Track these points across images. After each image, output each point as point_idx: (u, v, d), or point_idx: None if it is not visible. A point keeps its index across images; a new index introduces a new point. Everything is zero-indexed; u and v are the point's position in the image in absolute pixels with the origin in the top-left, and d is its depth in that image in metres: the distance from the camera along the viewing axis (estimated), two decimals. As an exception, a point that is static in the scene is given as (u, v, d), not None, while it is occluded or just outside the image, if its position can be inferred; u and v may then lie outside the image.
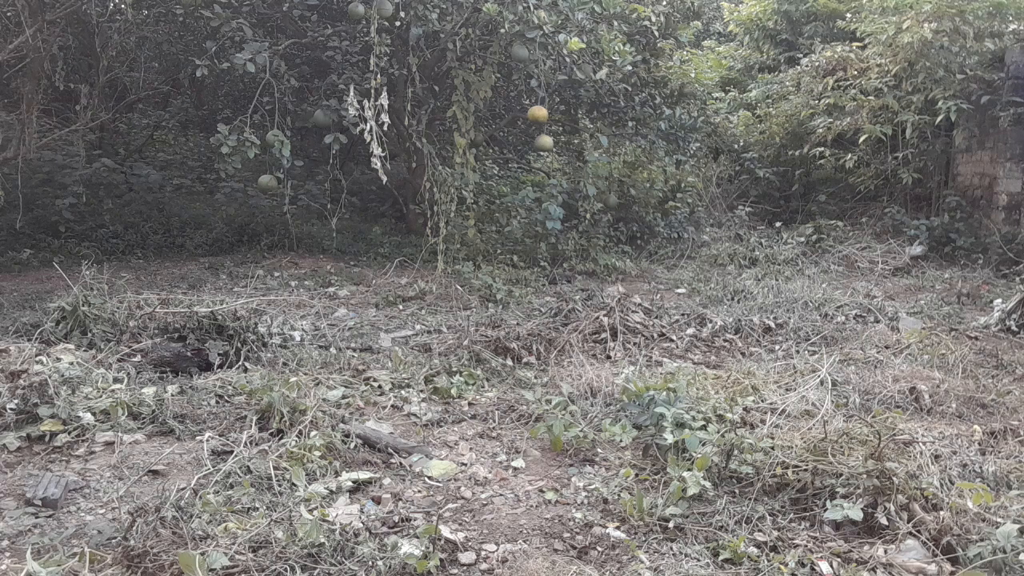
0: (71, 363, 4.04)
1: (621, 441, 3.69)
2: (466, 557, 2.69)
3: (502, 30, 7.14)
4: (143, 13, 8.30)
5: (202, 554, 2.48)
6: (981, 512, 2.88)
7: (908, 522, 2.87)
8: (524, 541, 2.83)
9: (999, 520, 2.81)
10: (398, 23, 7.21)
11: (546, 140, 7.94)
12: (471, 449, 3.65)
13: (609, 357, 5.10)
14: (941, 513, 2.86)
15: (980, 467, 3.37)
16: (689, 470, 3.15)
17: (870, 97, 9.93)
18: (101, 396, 3.79)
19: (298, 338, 5.17)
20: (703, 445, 3.40)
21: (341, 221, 8.65)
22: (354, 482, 3.19)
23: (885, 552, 2.76)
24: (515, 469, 3.47)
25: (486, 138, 9.94)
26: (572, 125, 9.12)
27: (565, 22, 7.52)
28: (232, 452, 3.35)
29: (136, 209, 9.08)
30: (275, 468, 3.17)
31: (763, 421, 3.81)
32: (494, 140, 10.65)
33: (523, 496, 3.20)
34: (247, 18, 7.34)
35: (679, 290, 7.50)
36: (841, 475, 3.09)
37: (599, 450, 3.66)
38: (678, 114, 9.24)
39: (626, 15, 8.66)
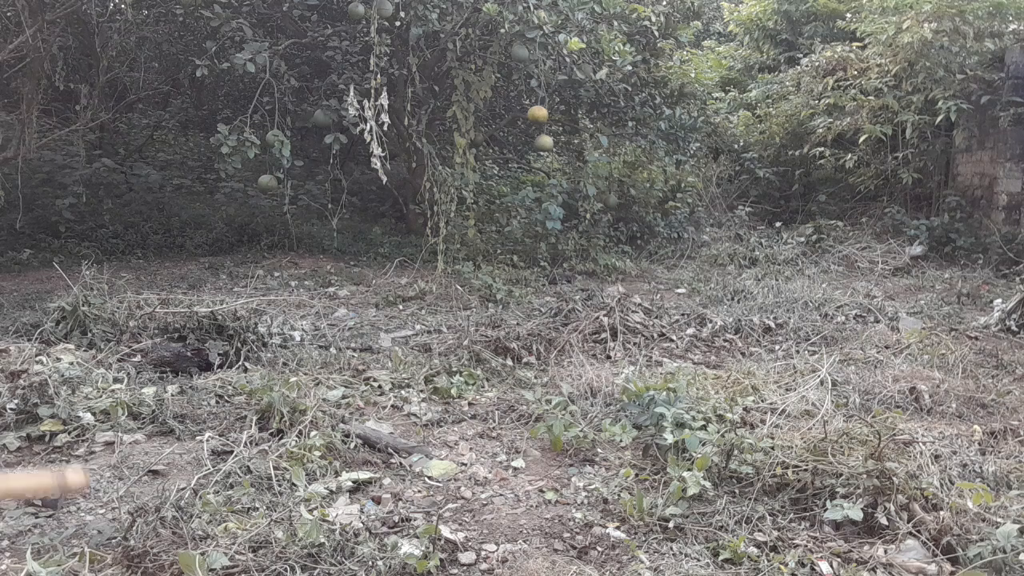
0: (71, 363, 4.04)
1: (621, 441, 3.69)
2: (466, 557, 2.69)
3: (502, 30, 7.14)
4: (143, 13, 8.29)
5: (202, 554, 2.48)
6: (981, 512, 2.88)
7: (908, 522, 2.87)
8: (524, 541, 2.83)
9: (999, 520, 2.81)
10: (398, 23, 7.21)
11: (546, 140, 7.94)
12: (471, 449, 3.65)
13: (609, 357, 5.10)
14: (941, 513, 2.86)
15: (980, 467, 3.37)
16: (689, 470, 3.15)
17: (870, 97, 9.93)
18: (101, 396, 3.79)
19: (298, 338, 5.17)
20: (703, 445, 3.40)
21: (341, 221, 8.65)
22: (354, 482, 3.19)
23: (885, 552, 2.76)
24: (515, 469, 3.47)
25: (486, 138, 9.94)
26: (572, 125, 9.12)
27: (565, 22, 7.52)
28: (232, 452, 3.35)
29: (136, 209, 9.08)
30: (275, 468, 3.17)
31: (763, 421, 3.81)
32: (494, 140, 10.65)
33: (523, 496, 3.20)
34: (247, 18, 7.34)
35: (679, 290, 7.50)
36: (841, 475, 3.09)
37: (599, 450, 3.66)
38: (678, 114, 9.24)
39: (626, 15, 8.66)
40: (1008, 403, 4.36)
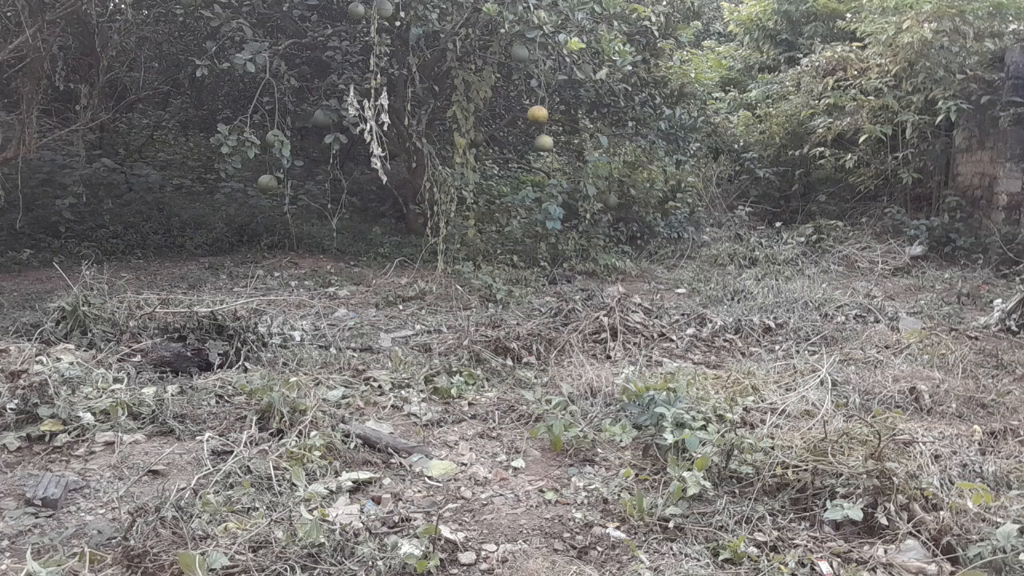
0: (71, 363, 4.04)
1: (621, 441, 3.69)
2: (466, 557, 2.69)
3: (502, 30, 7.14)
4: (143, 13, 8.29)
5: (202, 554, 2.48)
6: (981, 512, 2.88)
7: (908, 522, 2.87)
8: (524, 541, 2.83)
9: (999, 520, 2.81)
10: (398, 23, 7.21)
11: (546, 140, 7.94)
12: (471, 449, 3.65)
13: (609, 357, 5.10)
14: (941, 513, 2.86)
15: (980, 467, 3.37)
16: (689, 470, 3.15)
17: (870, 97, 9.93)
18: (101, 396, 3.79)
19: (298, 338, 5.17)
20: (703, 445, 3.40)
21: (341, 221, 8.65)
22: (354, 482, 3.19)
23: (885, 552, 2.76)
24: (515, 469, 3.47)
25: (486, 138, 9.94)
26: (572, 125, 9.12)
27: (565, 22, 7.51)
28: (232, 452, 3.35)
29: (136, 209, 9.08)
30: (275, 468, 3.17)
31: (763, 421, 3.81)
32: (494, 140, 10.65)
33: (523, 496, 3.20)
34: (247, 18, 7.34)
35: (679, 290, 7.50)
36: (841, 475, 3.09)
37: (599, 450, 3.66)
38: (678, 114, 9.23)
39: (626, 15, 8.66)
40: (1008, 403, 4.36)
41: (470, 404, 4.23)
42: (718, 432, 3.55)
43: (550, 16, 7.26)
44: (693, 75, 10.33)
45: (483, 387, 4.48)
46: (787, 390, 4.26)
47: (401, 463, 3.46)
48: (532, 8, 6.92)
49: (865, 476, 3.04)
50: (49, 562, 2.45)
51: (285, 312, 5.93)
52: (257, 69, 6.76)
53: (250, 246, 8.54)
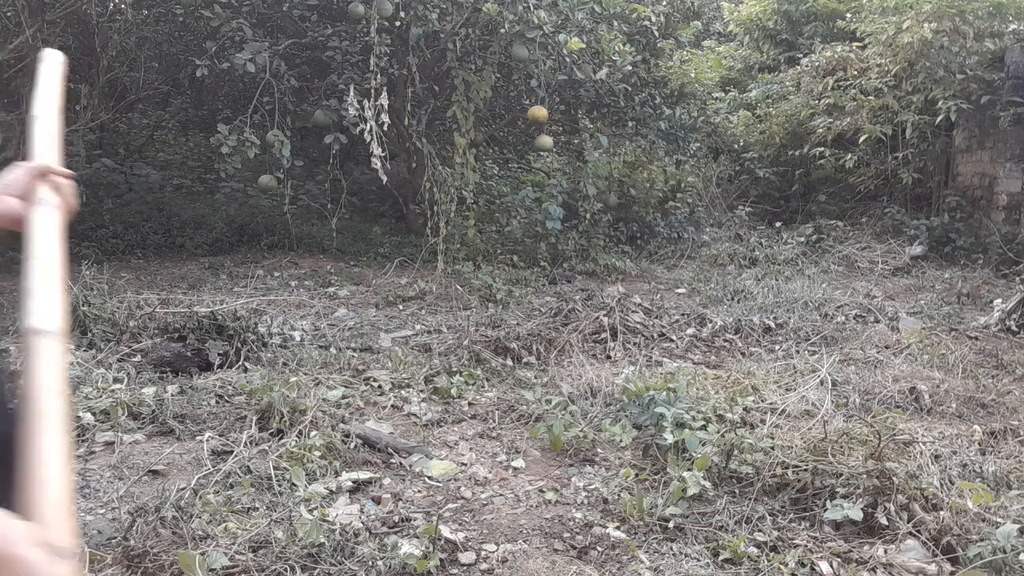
0: (71, 363, 4.04)
1: (621, 441, 3.69)
2: (466, 557, 2.69)
3: (502, 30, 7.14)
4: (143, 13, 8.29)
5: (202, 554, 2.48)
6: (981, 512, 2.88)
7: (908, 522, 2.87)
8: (524, 541, 2.83)
9: (999, 520, 2.81)
10: (398, 23, 7.21)
11: (546, 140, 7.94)
12: (471, 449, 3.65)
13: (609, 357, 5.10)
14: (941, 513, 2.86)
15: (980, 467, 3.37)
16: (689, 470, 3.15)
17: (870, 97, 9.93)
18: (101, 396, 3.80)
19: (298, 338, 5.17)
20: (703, 445, 3.40)
21: (341, 221, 8.65)
22: (354, 482, 3.19)
23: (885, 552, 2.76)
24: (515, 469, 3.47)
25: (486, 138, 9.94)
26: (572, 125, 9.12)
27: (565, 22, 7.51)
28: (232, 452, 3.35)
29: (136, 209, 9.08)
30: (275, 468, 3.17)
31: (763, 421, 3.81)
32: (494, 140, 10.65)
33: (523, 496, 3.20)
34: (247, 18, 7.34)
35: (679, 290, 7.50)
36: (841, 475, 3.09)
37: (599, 450, 3.66)
38: (678, 114, 9.24)
39: (626, 15, 8.66)
40: (1008, 403, 4.36)
41: (470, 404, 4.24)
42: (718, 432, 3.56)
43: (550, 16, 7.26)
44: (693, 75, 10.33)
45: (483, 387, 4.48)
46: (787, 390, 4.27)
47: (401, 463, 3.46)
48: (532, 8, 6.92)
49: (865, 476, 3.04)
50: (49, 562, 2.45)
51: (285, 312, 5.93)
52: (257, 69, 6.76)
53: (250, 246, 8.54)
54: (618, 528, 2.92)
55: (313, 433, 3.50)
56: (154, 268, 7.54)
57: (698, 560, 2.71)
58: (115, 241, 8.26)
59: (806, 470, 3.16)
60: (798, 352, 5.23)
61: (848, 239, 9.61)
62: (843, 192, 11.36)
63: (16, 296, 6.08)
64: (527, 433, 3.81)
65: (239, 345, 4.71)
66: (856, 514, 2.89)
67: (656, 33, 9.12)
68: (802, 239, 9.65)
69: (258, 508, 2.91)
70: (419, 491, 3.19)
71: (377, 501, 3.07)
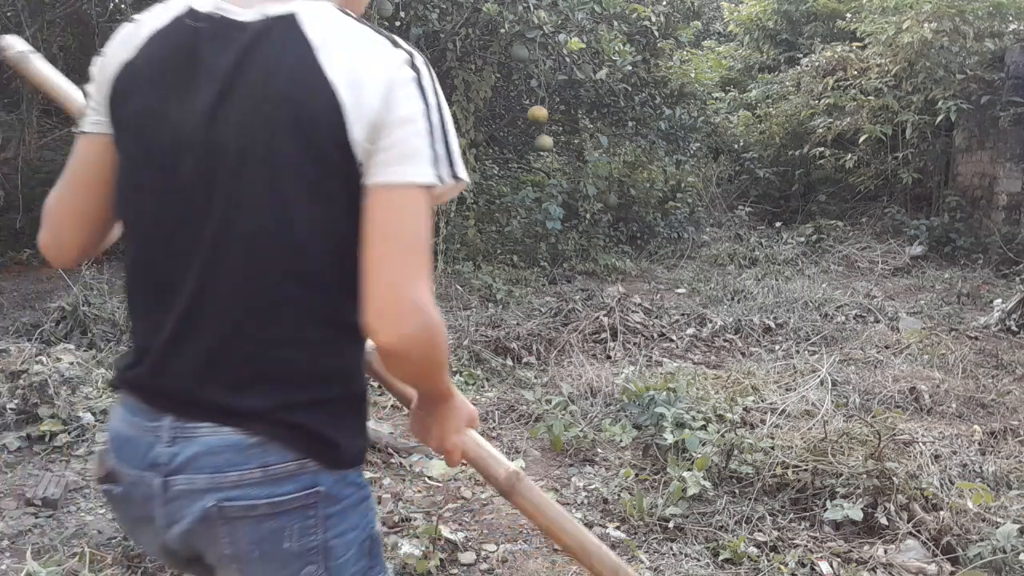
0: (71, 363, 4.04)
1: (621, 441, 3.69)
2: (466, 557, 2.69)
3: (502, 30, 7.14)
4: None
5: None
6: (981, 512, 2.88)
7: (908, 522, 2.87)
8: (524, 541, 2.83)
9: (999, 520, 2.81)
10: (398, 23, 7.21)
11: (546, 140, 7.94)
12: (471, 449, 3.64)
13: (609, 357, 5.10)
14: (941, 513, 2.86)
15: (980, 467, 3.37)
16: (689, 470, 3.15)
17: (870, 97, 9.93)
18: (101, 396, 3.80)
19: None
20: (703, 445, 3.40)
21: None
22: (354, 482, 3.18)
23: (885, 552, 2.76)
24: (515, 469, 3.47)
25: (486, 138, 9.93)
26: (572, 125, 9.11)
27: (565, 22, 7.51)
28: (232, 452, 3.35)
29: (136, 209, 9.08)
30: (275, 468, 3.17)
31: (763, 421, 3.81)
32: (494, 140, 10.64)
33: (523, 496, 3.19)
34: (247, 18, 7.33)
35: (679, 290, 7.50)
36: (841, 475, 3.09)
37: (599, 450, 3.66)
38: (678, 114, 9.23)
39: (626, 15, 8.65)
40: (1008, 403, 4.36)
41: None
42: (718, 432, 3.55)
43: (550, 16, 7.26)
44: (693, 75, 10.32)
45: (483, 387, 4.48)
46: (787, 390, 4.27)
47: (401, 463, 3.46)
48: (532, 8, 6.92)
49: (865, 476, 3.04)
50: (49, 562, 2.45)
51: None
52: (257, 69, 6.76)
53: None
54: (618, 528, 2.92)
55: (313, 433, 3.49)
56: (154, 268, 7.53)
57: (698, 560, 2.71)
58: (115, 241, 8.26)
59: (806, 470, 3.16)
60: (798, 352, 5.23)
61: (848, 239, 9.61)
62: (843, 192, 11.36)
63: (16, 296, 6.08)
64: (527, 433, 3.81)
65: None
66: (856, 514, 2.89)
67: (656, 33, 9.11)
68: (802, 239, 9.65)
69: (258, 508, 2.90)
70: (419, 491, 3.19)
71: (377, 501, 3.07)
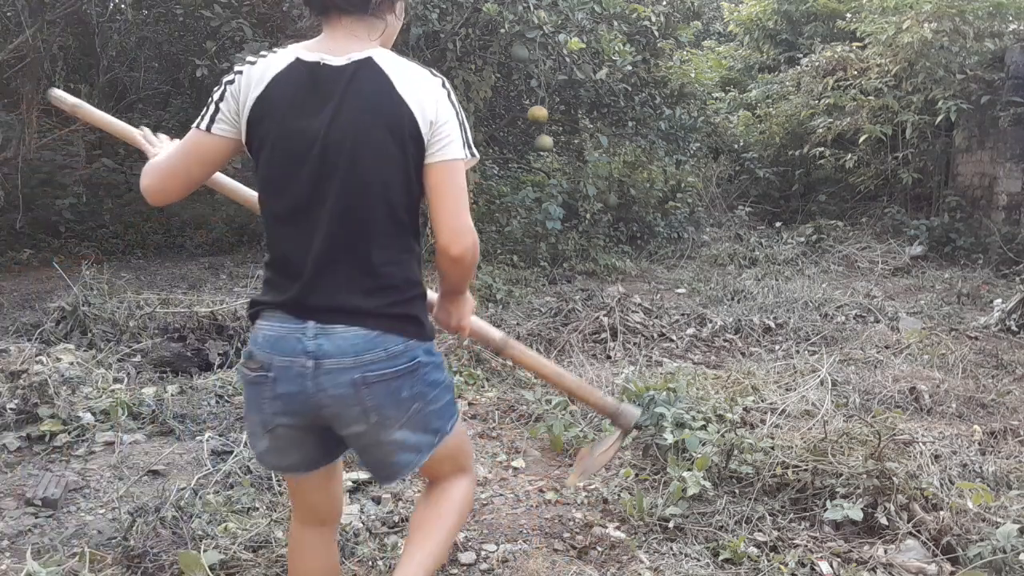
0: (71, 363, 4.04)
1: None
2: (466, 557, 2.69)
3: (502, 30, 7.13)
4: (143, 13, 8.29)
5: (204, 551, 2.48)
6: (981, 512, 2.88)
7: (908, 522, 2.87)
8: (524, 541, 2.83)
9: (999, 520, 2.81)
10: (398, 23, 7.21)
11: (546, 140, 7.94)
12: (471, 449, 3.65)
13: (609, 357, 5.10)
14: (941, 513, 2.86)
15: (980, 467, 3.37)
16: (689, 470, 3.15)
17: (870, 97, 9.93)
18: (101, 396, 3.80)
19: (298, 338, 5.16)
20: (703, 445, 3.40)
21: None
22: (354, 482, 3.18)
23: (885, 552, 2.76)
24: (515, 469, 3.47)
25: (486, 138, 9.93)
26: (572, 125, 9.11)
27: (565, 22, 7.51)
28: (232, 452, 3.35)
29: (136, 209, 9.08)
30: (275, 468, 3.17)
31: (763, 421, 3.81)
32: (494, 140, 10.64)
33: (523, 496, 3.20)
34: (247, 18, 7.33)
35: (679, 290, 7.50)
36: (841, 475, 3.09)
37: (599, 450, 3.66)
38: (678, 114, 9.23)
39: (626, 15, 8.65)
40: (1008, 403, 4.36)
41: (470, 404, 4.23)
42: (718, 432, 3.55)
43: (550, 16, 7.25)
44: (693, 75, 10.32)
45: (483, 387, 4.48)
46: (787, 390, 4.27)
47: (401, 463, 3.46)
48: (532, 8, 6.92)
49: (865, 476, 3.04)
50: (49, 562, 2.45)
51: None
52: (257, 69, 6.75)
53: (250, 246, 8.54)
54: (618, 528, 2.92)
55: (313, 433, 3.49)
56: (154, 268, 7.54)
57: (698, 560, 2.71)
58: (115, 241, 8.26)
59: (806, 470, 3.16)
60: (798, 352, 5.23)
61: (848, 239, 9.61)
62: (843, 192, 11.36)
63: (16, 296, 6.08)
64: (527, 433, 3.81)
65: (239, 345, 4.71)
66: (856, 514, 2.89)
67: (656, 33, 9.11)
68: (802, 239, 9.65)
69: (258, 508, 2.91)
70: (419, 491, 3.19)
71: (377, 501, 3.07)
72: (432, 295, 1.93)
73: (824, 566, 2.66)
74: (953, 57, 9.31)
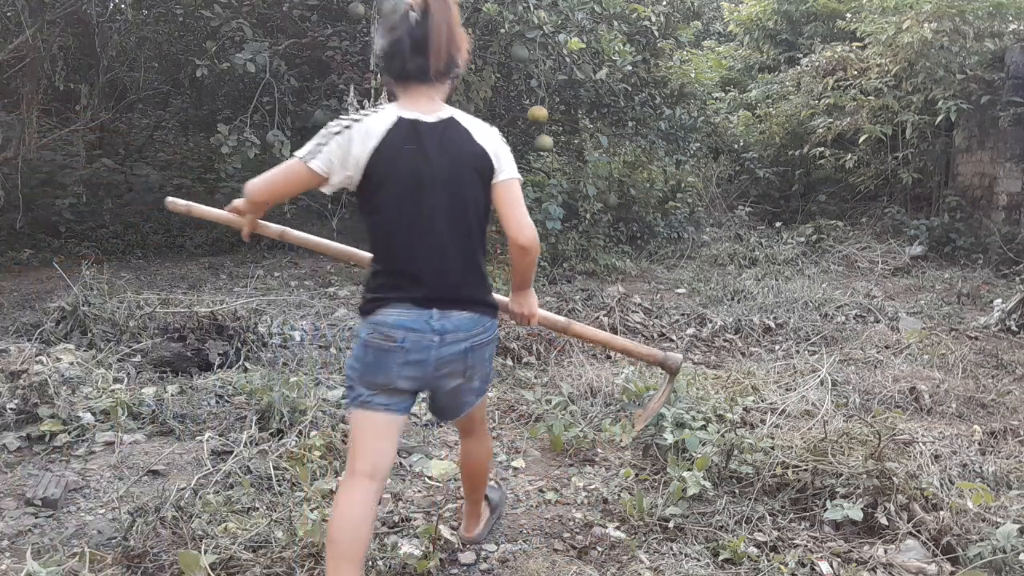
0: (71, 363, 4.04)
1: (621, 441, 3.69)
2: (466, 557, 2.69)
3: (502, 30, 7.14)
4: (143, 13, 8.29)
5: (204, 554, 2.48)
6: (981, 512, 2.88)
7: (908, 522, 2.87)
8: (524, 541, 2.83)
9: (999, 520, 2.81)
10: (398, 23, 7.20)
11: (546, 140, 7.94)
12: (471, 449, 3.64)
13: (609, 357, 5.10)
14: (941, 513, 2.86)
15: (980, 467, 3.37)
16: (689, 470, 3.15)
17: (870, 97, 9.93)
18: (101, 396, 3.79)
19: (298, 338, 5.17)
20: (703, 445, 3.40)
21: (341, 221, 8.63)
22: (354, 482, 3.18)
23: (885, 552, 2.76)
24: (515, 469, 3.47)
25: (486, 138, 9.92)
26: (572, 125, 9.11)
27: (565, 22, 7.51)
28: (232, 452, 3.35)
29: (136, 209, 9.08)
30: (275, 468, 3.17)
31: (763, 421, 3.81)
32: (494, 140, 10.62)
33: (523, 496, 3.20)
34: (247, 18, 7.33)
35: (679, 290, 7.50)
36: (841, 475, 3.09)
37: (599, 450, 3.66)
38: (678, 114, 9.23)
39: (626, 15, 8.65)
40: (1008, 403, 4.36)
41: (470, 404, 4.23)
42: (718, 432, 3.55)
43: (550, 16, 7.25)
44: (693, 75, 10.32)
45: (483, 387, 4.47)
46: (787, 390, 4.27)
47: (401, 463, 3.46)
48: (532, 8, 6.92)
49: (865, 476, 3.04)
50: (49, 562, 2.45)
51: (285, 312, 5.93)
52: (257, 69, 6.76)
53: (250, 246, 8.54)
54: (618, 528, 2.92)
55: (313, 433, 3.50)
56: (154, 268, 7.54)
57: (698, 560, 2.71)
58: (115, 241, 8.26)
59: (806, 470, 3.16)
60: (798, 352, 5.23)
61: (848, 239, 9.61)
62: (843, 192, 11.36)
63: (16, 296, 6.08)
64: (527, 433, 3.81)
65: (239, 345, 4.71)
66: (856, 514, 2.89)
67: (656, 33, 9.11)
68: (802, 239, 9.66)
69: (258, 508, 2.91)
70: (419, 491, 3.20)
71: (377, 501, 3.07)
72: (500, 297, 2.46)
73: (824, 566, 2.66)
74: (953, 57, 9.31)
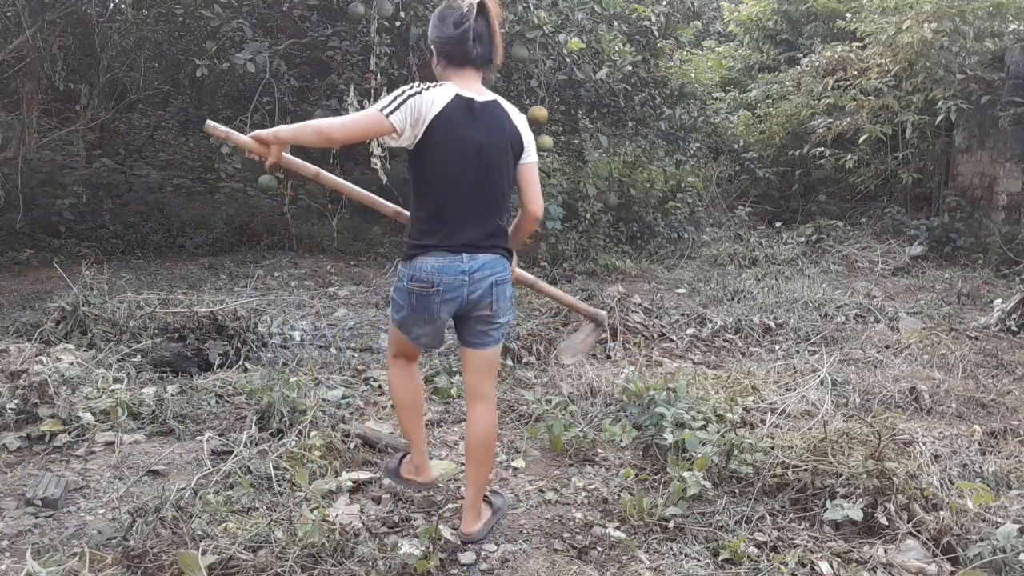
0: (71, 363, 4.04)
1: (621, 441, 3.69)
2: (466, 557, 2.69)
3: (502, 30, 7.14)
4: (143, 13, 8.29)
5: (203, 554, 2.48)
6: (981, 512, 2.88)
7: (908, 522, 2.87)
8: (524, 541, 2.83)
9: (999, 520, 2.81)
10: (398, 23, 7.20)
11: (546, 140, 7.93)
12: (471, 449, 3.64)
13: (609, 357, 5.10)
14: (941, 513, 2.86)
15: (980, 467, 3.37)
16: (689, 470, 3.15)
17: (870, 97, 9.94)
18: (101, 396, 3.79)
19: (298, 338, 5.17)
20: (703, 445, 3.40)
21: (341, 221, 8.65)
22: (354, 482, 3.19)
23: (885, 552, 2.76)
24: (515, 469, 3.47)
25: (486, 138, 9.91)
26: (572, 125, 9.11)
27: (565, 22, 7.51)
28: (232, 452, 3.35)
29: (136, 209, 9.08)
30: (275, 468, 3.17)
31: (763, 421, 3.81)
32: (494, 140, 10.62)
33: (523, 496, 3.20)
34: (247, 18, 7.33)
35: (679, 290, 7.50)
36: (841, 475, 3.09)
37: (599, 450, 3.66)
38: (678, 114, 9.23)
39: (626, 15, 8.65)
40: (1008, 403, 4.36)
41: (470, 404, 4.23)
42: (718, 432, 3.55)
43: (550, 16, 7.25)
44: (693, 75, 10.32)
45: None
46: (787, 390, 4.27)
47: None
48: (532, 8, 6.92)
49: (865, 476, 3.04)
50: (49, 562, 2.45)
51: (285, 312, 5.93)
52: (257, 69, 6.76)
53: (250, 246, 8.54)
54: (618, 528, 2.92)
55: (313, 433, 3.50)
56: (154, 268, 7.54)
57: (698, 560, 2.71)
58: (115, 241, 8.26)
59: (806, 470, 3.16)
60: (798, 352, 5.23)
61: (848, 239, 9.61)
62: (843, 192, 11.37)
63: (16, 296, 6.08)
64: (527, 433, 3.81)
65: (239, 345, 4.71)
66: (856, 514, 2.89)
67: (656, 33, 9.10)
68: (802, 239, 9.66)
69: (258, 508, 2.91)
70: (419, 491, 3.19)
71: (377, 501, 3.07)
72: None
73: (824, 566, 2.66)
74: (953, 57, 9.31)
